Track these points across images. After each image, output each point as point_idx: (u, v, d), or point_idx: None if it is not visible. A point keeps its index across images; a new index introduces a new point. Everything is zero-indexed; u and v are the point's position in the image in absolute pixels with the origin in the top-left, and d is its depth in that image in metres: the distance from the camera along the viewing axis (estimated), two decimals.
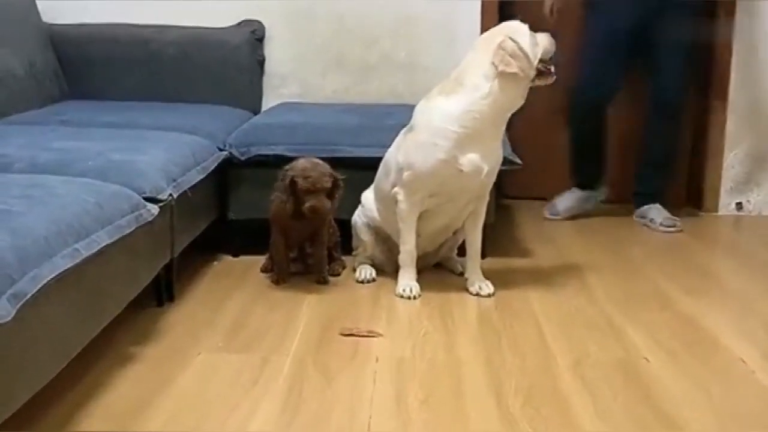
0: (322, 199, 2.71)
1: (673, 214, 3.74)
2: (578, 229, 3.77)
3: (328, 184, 2.72)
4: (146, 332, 2.41)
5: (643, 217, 3.78)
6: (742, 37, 4.00)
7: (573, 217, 3.86)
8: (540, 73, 2.69)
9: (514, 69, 2.62)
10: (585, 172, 3.90)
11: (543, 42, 2.70)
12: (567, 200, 3.90)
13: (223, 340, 2.39)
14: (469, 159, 2.69)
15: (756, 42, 4.02)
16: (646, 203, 3.80)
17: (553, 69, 2.71)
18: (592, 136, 3.82)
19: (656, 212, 3.74)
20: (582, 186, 3.90)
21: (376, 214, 2.97)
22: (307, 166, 2.72)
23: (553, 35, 2.74)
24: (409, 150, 2.75)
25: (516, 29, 2.70)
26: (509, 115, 2.75)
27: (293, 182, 2.71)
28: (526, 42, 2.66)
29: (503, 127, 2.78)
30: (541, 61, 2.68)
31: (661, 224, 3.68)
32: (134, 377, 2.14)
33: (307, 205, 2.71)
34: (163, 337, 2.40)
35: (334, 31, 3.98)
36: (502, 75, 2.63)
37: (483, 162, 2.71)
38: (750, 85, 4.02)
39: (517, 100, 2.71)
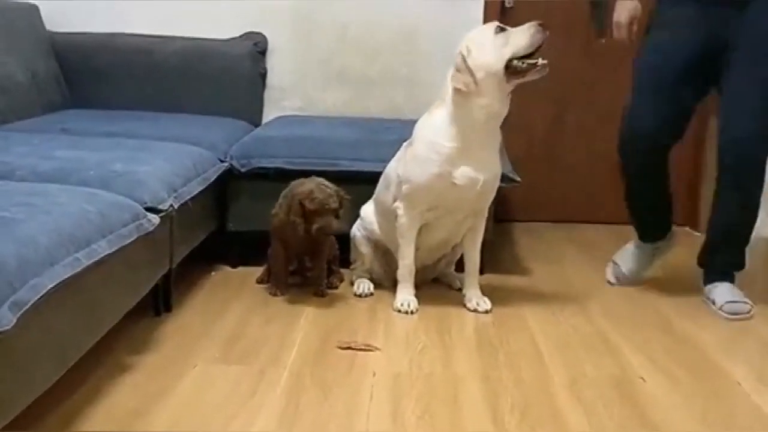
0: (330, 219, 2.72)
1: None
2: (578, 245, 3.78)
3: (336, 205, 2.74)
4: (144, 342, 2.41)
5: (707, 296, 2.97)
6: None
7: (638, 281, 3.20)
8: (518, 71, 2.64)
9: (459, 84, 2.64)
10: (644, 224, 3.18)
11: (516, 39, 2.63)
12: (629, 259, 3.21)
13: (221, 352, 2.39)
14: (463, 172, 2.70)
15: None
16: (714, 280, 2.97)
17: (539, 62, 2.63)
18: (646, 182, 3.05)
19: (720, 293, 2.92)
20: (644, 239, 3.20)
21: (375, 227, 2.98)
22: (314, 188, 2.73)
23: (542, 25, 2.64)
24: (408, 163, 2.77)
25: (473, 37, 2.69)
26: (494, 124, 2.71)
27: (301, 204, 2.72)
28: (484, 49, 2.63)
29: (494, 138, 2.76)
30: (520, 57, 2.62)
31: (721, 308, 2.87)
32: (131, 387, 2.13)
33: (315, 226, 2.72)
34: (160, 347, 2.40)
35: (335, 45, 4.01)
36: (455, 89, 2.66)
37: (477, 174, 2.71)
38: None
39: (489, 108, 2.66)
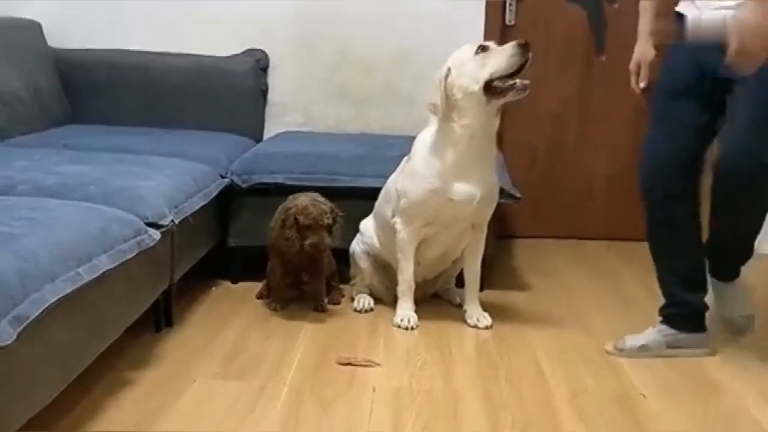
0: (323, 235, 2.73)
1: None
2: (578, 262, 3.78)
3: (329, 221, 2.74)
4: (144, 357, 2.41)
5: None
6: None
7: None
8: (497, 91, 2.63)
9: (428, 105, 2.69)
10: (666, 286, 2.63)
11: (495, 60, 2.62)
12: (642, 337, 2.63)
13: (221, 367, 2.40)
14: (459, 187, 2.71)
15: None
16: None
17: (517, 83, 2.60)
18: (668, 226, 2.60)
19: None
20: (666, 317, 2.62)
21: (375, 242, 2.99)
22: (308, 203, 2.74)
23: (525, 45, 2.60)
24: (405, 178, 2.79)
25: (455, 57, 2.70)
26: (480, 142, 2.69)
27: (296, 219, 2.72)
28: (463, 70, 2.64)
29: (487, 154, 2.75)
30: (500, 78, 2.61)
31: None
32: (132, 402, 2.14)
33: (308, 242, 2.73)
34: (160, 362, 2.40)
35: (337, 61, 4.02)
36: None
37: (473, 190, 2.72)
38: None
39: (471, 127, 2.66)
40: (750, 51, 2.09)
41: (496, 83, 2.62)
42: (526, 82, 2.61)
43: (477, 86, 2.63)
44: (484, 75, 2.62)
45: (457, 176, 2.71)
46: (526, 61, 2.60)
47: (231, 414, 2.09)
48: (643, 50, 2.68)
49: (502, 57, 2.61)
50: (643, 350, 2.58)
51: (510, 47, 2.62)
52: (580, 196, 4.24)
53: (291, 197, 2.83)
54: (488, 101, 2.64)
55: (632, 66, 2.69)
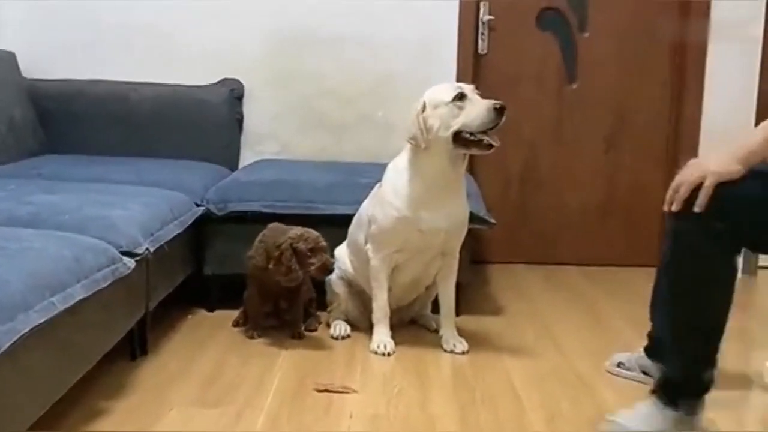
0: (326, 256, 2.74)
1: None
2: (552, 287, 3.80)
3: (325, 243, 2.75)
4: (119, 386, 2.40)
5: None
6: None
7: None
8: (465, 142, 2.64)
9: (409, 137, 2.69)
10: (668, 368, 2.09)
11: (469, 115, 2.61)
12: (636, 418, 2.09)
13: (197, 395, 2.38)
14: (426, 218, 2.73)
15: None
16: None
17: (485, 140, 2.62)
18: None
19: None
20: (664, 396, 2.05)
21: (349, 267, 3.01)
22: (302, 231, 2.75)
23: (500, 110, 2.58)
24: (376, 205, 2.82)
25: (431, 96, 2.69)
26: (447, 178, 2.71)
27: (294, 249, 2.72)
28: (437, 113, 2.64)
29: (455, 187, 2.76)
30: (471, 132, 2.62)
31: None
32: (107, 431, 2.12)
33: (315, 266, 2.72)
34: (136, 390, 2.39)
35: (312, 90, 4.05)
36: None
37: (441, 220, 2.75)
38: None
39: (439, 165, 2.67)
40: None
41: (464, 134, 2.64)
42: (495, 142, 2.63)
43: (447, 133, 2.65)
44: (455, 125, 2.64)
45: (425, 206, 2.73)
46: (497, 125, 2.61)
47: None
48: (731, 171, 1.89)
49: (475, 113, 2.61)
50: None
51: (485, 107, 2.60)
52: (554, 222, 4.28)
53: (268, 230, 2.85)
54: (455, 147, 2.67)
55: (694, 179, 1.89)
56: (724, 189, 1.85)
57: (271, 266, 2.75)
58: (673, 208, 1.90)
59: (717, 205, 1.85)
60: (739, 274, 1.96)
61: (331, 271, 2.83)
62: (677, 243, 1.95)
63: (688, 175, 1.89)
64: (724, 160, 1.88)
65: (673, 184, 1.92)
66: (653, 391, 2.05)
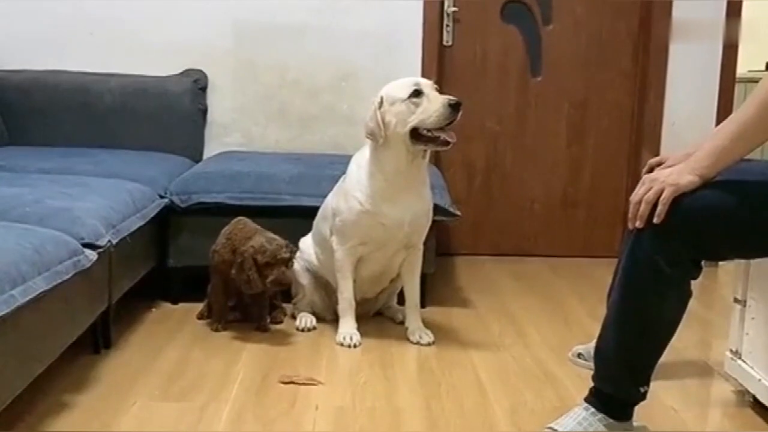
0: (283, 270, 2.72)
1: None
2: (517, 278, 3.83)
3: (287, 255, 2.74)
4: (82, 380, 2.38)
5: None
6: None
7: None
8: (422, 139, 2.65)
9: (368, 132, 2.70)
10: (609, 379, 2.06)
11: (425, 111, 2.62)
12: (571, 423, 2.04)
13: (161, 388, 2.37)
14: (389, 211, 2.74)
15: None
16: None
17: (441, 137, 2.62)
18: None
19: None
20: (597, 403, 2.05)
21: (314, 259, 3.01)
22: (263, 241, 2.73)
23: (455, 106, 2.59)
24: (339, 198, 2.81)
25: (389, 92, 2.69)
26: (414, 169, 2.71)
27: (254, 260, 2.71)
28: (393, 109, 2.64)
29: (417, 180, 2.76)
30: (427, 129, 2.63)
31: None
32: (70, 426, 2.10)
33: (270, 279, 2.71)
34: (99, 384, 2.37)
35: (277, 82, 4.04)
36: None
37: (403, 214, 2.75)
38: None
39: (397, 160, 2.68)
40: None
41: (422, 131, 2.65)
42: (451, 139, 2.63)
43: (404, 130, 2.65)
44: (411, 122, 2.64)
45: (387, 200, 2.73)
46: (452, 121, 2.61)
47: None
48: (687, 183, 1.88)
49: (431, 110, 2.61)
50: None
51: (441, 103, 2.61)
52: (518, 214, 4.31)
53: (233, 227, 2.84)
54: (413, 143, 2.67)
55: (651, 195, 1.88)
56: (682, 199, 1.85)
57: (233, 272, 2.74)
58: (638, 224, 1.88)
59: (675, 215, 1.85)
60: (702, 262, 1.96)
61: (285, 285, 2.80)
62: (634, 262, 1.93)
63: (645, 191, 1.89)
64: (680, 172, 1.90)
65: (633, 200, 1.91)
66: (586, 399, 2.06)
